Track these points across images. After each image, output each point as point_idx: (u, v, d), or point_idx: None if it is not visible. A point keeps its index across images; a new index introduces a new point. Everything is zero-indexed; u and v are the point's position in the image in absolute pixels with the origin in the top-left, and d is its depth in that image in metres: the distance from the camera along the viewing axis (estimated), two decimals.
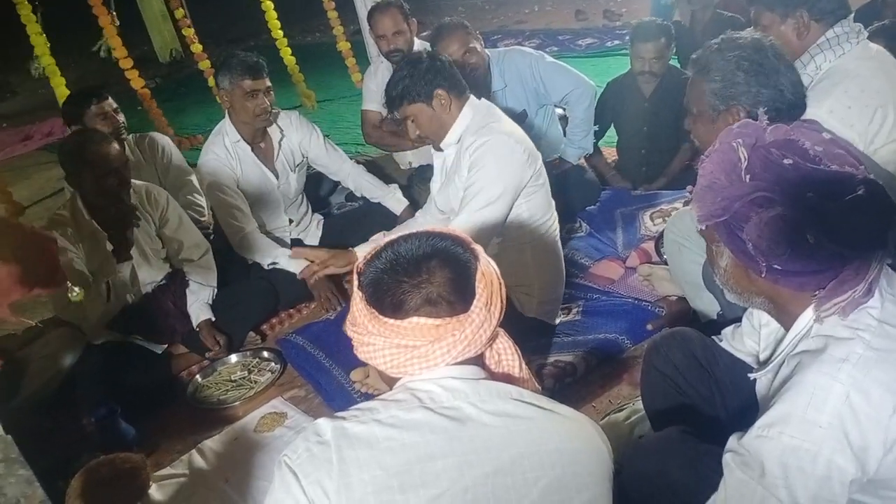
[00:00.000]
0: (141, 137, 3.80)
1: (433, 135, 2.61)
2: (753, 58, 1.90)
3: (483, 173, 2.46)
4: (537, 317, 2.71)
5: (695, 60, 2.02)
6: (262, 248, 3.30)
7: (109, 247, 2.89)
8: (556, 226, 2.75)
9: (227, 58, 3.27)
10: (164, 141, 3.89)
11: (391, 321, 1.22)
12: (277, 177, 3.44)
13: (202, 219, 3.73)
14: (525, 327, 2.58)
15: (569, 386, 2.53)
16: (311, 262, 3.08)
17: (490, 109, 2.61)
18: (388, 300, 1.23)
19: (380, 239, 2.89)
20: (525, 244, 2.62)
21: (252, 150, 3.36)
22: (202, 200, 3.81)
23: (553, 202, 2.75)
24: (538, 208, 2.62)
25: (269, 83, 3.23)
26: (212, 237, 3.51)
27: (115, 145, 2.84)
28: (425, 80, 2.50)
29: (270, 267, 3.30)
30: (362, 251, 2.88)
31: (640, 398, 2.10)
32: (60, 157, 2.89)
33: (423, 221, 2.89)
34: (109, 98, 3.51)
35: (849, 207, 1.21)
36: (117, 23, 5.66)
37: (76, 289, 1.92)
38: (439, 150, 2.70)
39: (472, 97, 2.62)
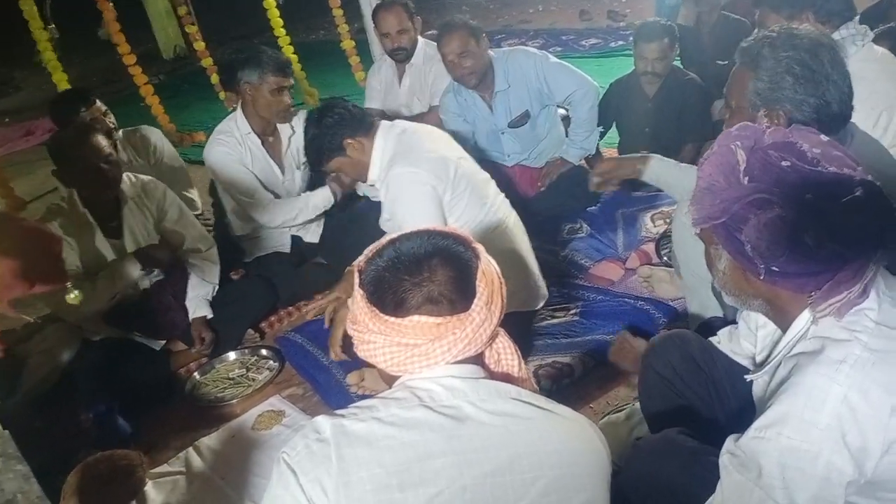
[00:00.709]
0: (132, 132, 3.80)
1: (361, 177, 2.72)
2: (807, 62, 1.78)
3: (402, 210, 2.53)
4: (518, 308, 2.69)
5: (744, 50, 1.89)
6: (292, 207, 3.36)
7: (102, 241, 2.91)
8: (500, 214, 2.72)
9: (255, 53, 3.30)
10: (156, 136, 3.89)
11: (392, 319, 1.22)
12: (283, 172, 3.46)
13: (196, 212, 3.75)
14: (513, 325, 2.57)
15: (566, 387, 2.53)
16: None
17: (401, 133, 2.65)
18: (389, 298, 1.23)
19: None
20: None
21: (262, 143, 3.39)
22: (195, 194, 3.85)
23: (489, 193, 2.73)
24: (468, 213, 2.63)
25: (292, 81, 3.32)
26: (212, 233, 3.52)
27: (102, 141, 2.84)
28: (332, 135, 2.59)
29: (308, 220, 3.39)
30: None
31: (638, 399, 2.10)
32: (50, 153, 2.89)
33: None
34: (98, 102, 3.51)
35: (847, 208, 1.20)
36: (114, 14, 5.62)
37: (74, 291, 1.92)
38: (373, 186, 2.77)
39: (382, 123, 2.68)
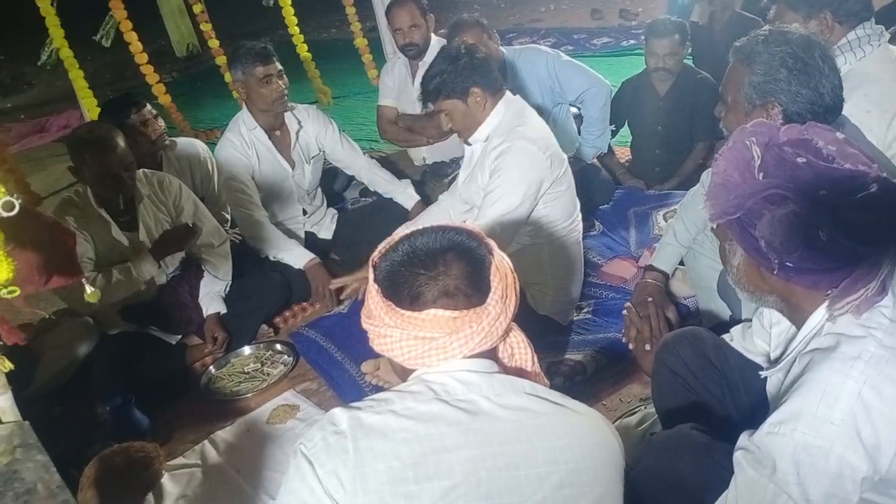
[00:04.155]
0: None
1: (465, 130, 2.62)
2: (800, 56, 1.84)
3: (503, 180, 2.46)
4: (550, 315, 2.72)
5: (738, 48, 1.95)
6: (269, 238, 3.33)
7: (118, 233, 2.93)
8: (579, 228, 2.76)
9: (235, 50, 3.32)
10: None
11: (409, 313, 1.23)
12: (293, 167, 3.48)
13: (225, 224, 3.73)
14: (537, 325, 2.59)
15: (579, 384, 2.53)
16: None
17: (522, 109, 2.61)
18: (405, 292, 1.24)
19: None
20: (542, 244, 2.63)
21: (269, 138, 3.40)
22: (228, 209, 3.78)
23: (578, 205, 2.75)
24: (559, 212, 2.63)
25: (279, 66, 3.27)
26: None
27: (120, 146, 2.80)
28: (462, 77, 2.50)
29: (275, 259, 3.34)
30: None
31: (651, 401, 2.10)
32: (67, 148, 2.89)
33: (446, 205, 2.91)
34: (148, 105, 3.45)
35: (861, 205, 1.21)
36: (125, 13, 5.63)
37: (91, 288, 1.93)
38: (468, 143, 2.70)
39: (508, 94, 2.61)
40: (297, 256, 3.32)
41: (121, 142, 2.82)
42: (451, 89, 2.52)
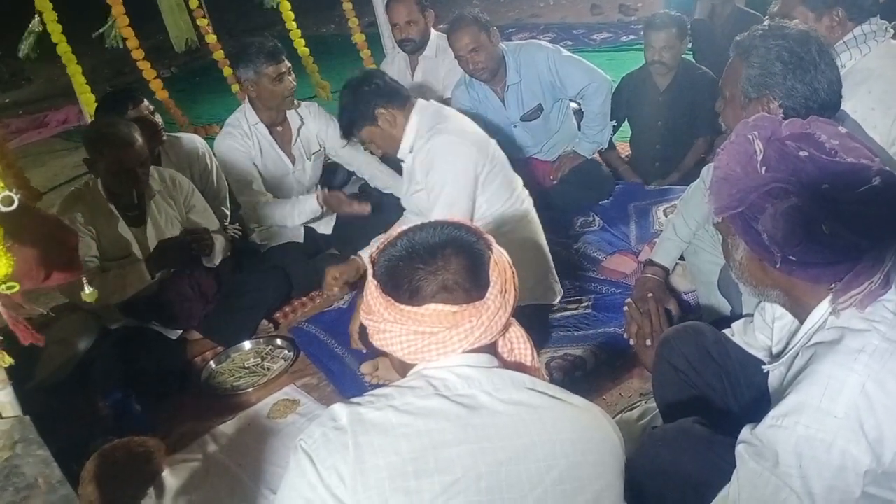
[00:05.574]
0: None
1: (391, 149, 2.71)
2: (795, 50, 1.84)
3: (438, 177, 2.53)
4: (533, 301, 2.69)
5: (738, 43, 1.96)
6: (281, 212, 3.38)
7: (124, 228, 2.93)
8: (525, 205, 2.76)
9: (244, 48, 3.31)
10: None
11: (408, 308, 1.23)
12: (293, 162, 3.49)
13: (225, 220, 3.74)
14: (529, 319, 2.58)
15: (579, 379, 2.53)
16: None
17: (438, 111, 2.67)
18: (404, 287, 1.24)
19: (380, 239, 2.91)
20: (491, 233, 2.61)
21: (270, 133, 3.42)
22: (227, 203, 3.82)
23: (517, 181, 2.77)
24: (497, 195, 2.65)
25: (289, 63, 3.31)
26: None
27: (137, 142, 2.81)
28: (365, 104, 2.60)
29: (301, 224, 3.42)
30: (366, 254, 2.89)
31: (652, 396, 2.10)
32: (83, 141, 2.91)
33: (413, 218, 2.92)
34: (145, 101, 3.45)
35: (864, 198, 1.21)
36: (123, 9, 5.60)
37: (90, 288, 1.91)
38: (401, 160, 2.77)
39: (419, 101, 2.68)
40: (309, 207, 3.37)
41: (138, 138, 2.83)
42: (360, 119, 2.62)
